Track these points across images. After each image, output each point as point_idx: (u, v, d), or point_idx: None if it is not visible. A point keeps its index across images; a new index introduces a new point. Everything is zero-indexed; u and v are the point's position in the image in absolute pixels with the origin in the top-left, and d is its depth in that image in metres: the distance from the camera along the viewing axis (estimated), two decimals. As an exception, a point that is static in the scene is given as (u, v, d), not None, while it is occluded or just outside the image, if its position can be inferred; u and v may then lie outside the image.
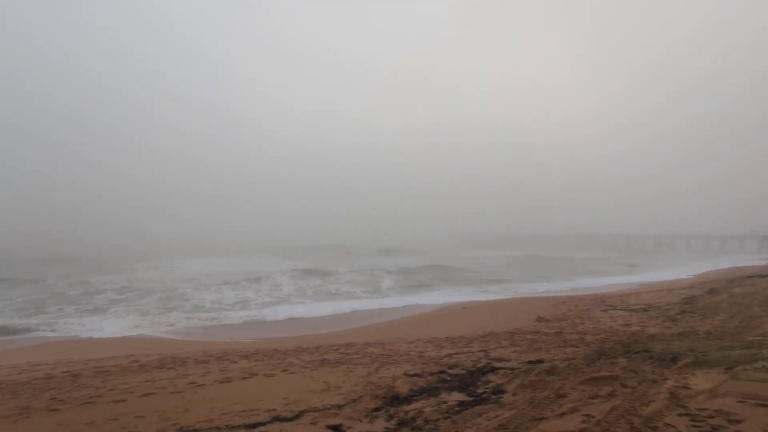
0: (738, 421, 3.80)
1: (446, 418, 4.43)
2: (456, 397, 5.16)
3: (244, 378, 6.72)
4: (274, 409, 5.08)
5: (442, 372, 6.36)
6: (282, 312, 16.20)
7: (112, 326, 13.56)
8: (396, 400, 5.16)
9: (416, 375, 6.28)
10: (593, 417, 4.11)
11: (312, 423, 4.56)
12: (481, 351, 7.87)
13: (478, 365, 6.65)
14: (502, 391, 5.20)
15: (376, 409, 4.89)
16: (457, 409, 4.69)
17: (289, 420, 4.68)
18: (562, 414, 4.22)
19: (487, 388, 5.44)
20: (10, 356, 9.57)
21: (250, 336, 12.08)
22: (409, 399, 5.19)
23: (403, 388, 5.54)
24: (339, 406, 5.05)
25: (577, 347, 7.68)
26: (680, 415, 4.08)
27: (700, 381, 4.97)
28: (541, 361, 6.57)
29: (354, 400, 5.26)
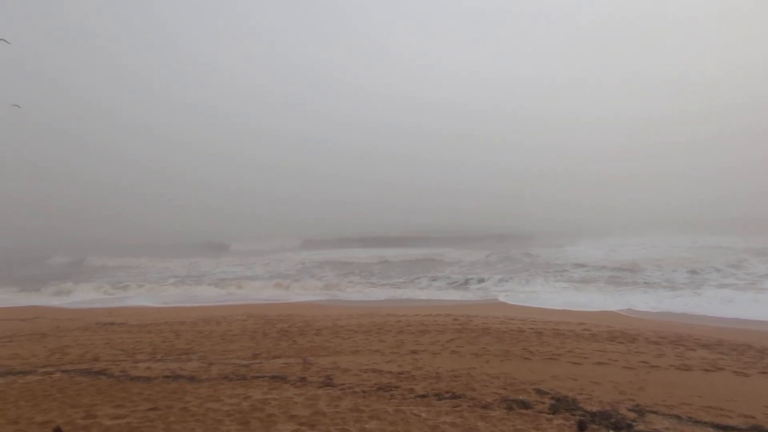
0: None
1: None
2: None
3: (707, 370, 6.00)
4: (753, 417, 4.30)
5: None
6: (750, 298, 13.08)
7: (560, 296, 15.14)
8: None
9: None
10: None
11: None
12: None
13: None
14: None
15: None
16: None
17: (776, 435, 3.86)
18: None
19: None
20: (489, 309, 12.42)
21: (707, 323, 10.47)
22: None
23: None
24: None
25: None
26: None
27: None
28: None
29: None
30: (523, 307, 12.99)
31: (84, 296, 18.59)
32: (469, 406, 4.62)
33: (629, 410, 4.50)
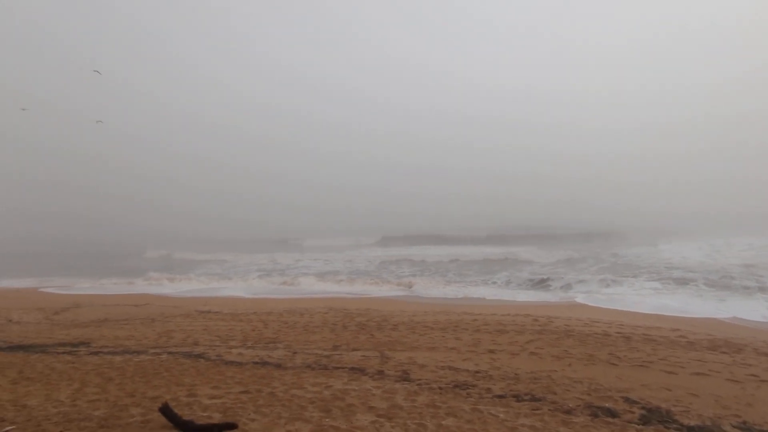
0: None
1: None
2: None
3: (833, 389, 5.28)
4: None
5: None
6: None
7: (650, 299, 14.01)
8: None
9: None
10: None
11: None
12: None
13: None
14: None
15: None
16: None
17: None
18: None
19: None
20: (570, 311, 11.81)
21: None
22: None
23: None
24: None
25: None
26: None
27: None
28: None
29: None
30: (609, 309, 12.18)
31: (184, 286, 20.47)
32: (549, 410, 4.49)
33: (734, 427, 4.12)
